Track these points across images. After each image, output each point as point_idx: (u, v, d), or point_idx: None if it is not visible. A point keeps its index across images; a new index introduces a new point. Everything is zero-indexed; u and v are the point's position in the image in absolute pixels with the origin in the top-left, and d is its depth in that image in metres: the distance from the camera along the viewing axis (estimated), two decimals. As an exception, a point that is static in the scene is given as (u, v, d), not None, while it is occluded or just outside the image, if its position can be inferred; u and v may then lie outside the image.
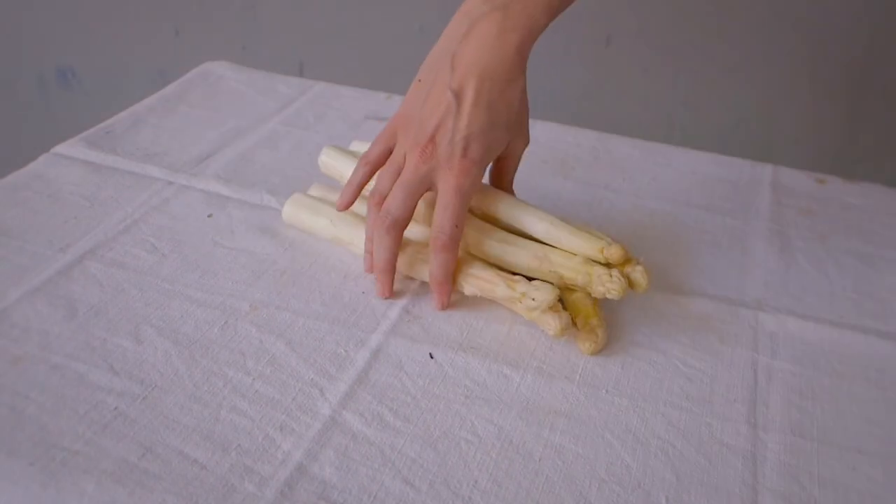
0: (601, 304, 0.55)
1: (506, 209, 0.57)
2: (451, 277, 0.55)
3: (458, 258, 0.55)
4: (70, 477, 0.42)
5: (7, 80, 1.61)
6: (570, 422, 0.48)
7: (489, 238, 0.56)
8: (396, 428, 0.47)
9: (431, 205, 0.56)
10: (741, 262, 0.63)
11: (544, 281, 0.53)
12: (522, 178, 0.60)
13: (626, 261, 0.54)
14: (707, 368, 0.53)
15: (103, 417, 0.46)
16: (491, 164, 0.59)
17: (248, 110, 0.81)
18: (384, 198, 0.55)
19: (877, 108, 1.19)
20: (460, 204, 0.53)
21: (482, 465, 0.45)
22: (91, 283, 0.56)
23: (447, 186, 0.53)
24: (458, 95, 0.53)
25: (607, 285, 0.52)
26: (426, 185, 0.55)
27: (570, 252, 0.55)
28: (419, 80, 0.57)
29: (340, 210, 0.60)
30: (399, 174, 0.55)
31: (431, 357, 0.52)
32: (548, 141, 0.77)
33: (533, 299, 0.52)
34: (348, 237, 0.60)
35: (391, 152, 0.58)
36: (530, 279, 0.55)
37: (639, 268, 0.54)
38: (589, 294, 0.54)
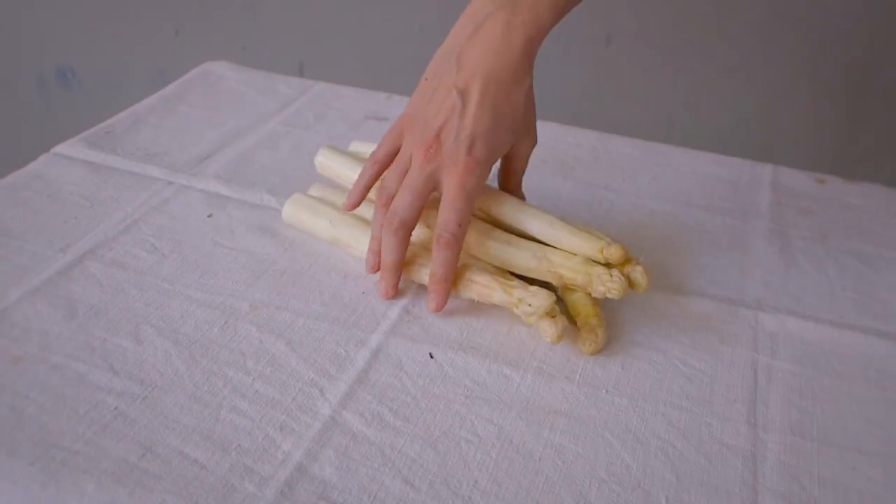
0: (601, 304, 0.55)
1: (505, 210, 0.57)
2: (452, 276, 0.55)
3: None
4: (70, 477, 0.42)
5: (7, 80, 1.61)
6: (570, 422, 0.48)
7: (489, 239, 0.56)
8: (396, 428, 0.47)
9: (431, 206, 0.56)
10: (741, 262, 0.63)
11: (542, 286, 0.53)
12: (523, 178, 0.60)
13: (626, 261, 0.54)
14: (707, 368, 0.53)
15: (103, 417, 0.46)
16: (499, 166, 0.59)
17: (248, 110, 0.81)
18: (391, 198, 0.55)
19: (877, 108, 1.19)
20: (464, 203, 0.53)
21: (482, 465, 0.45)
22: (91, 283, 0.56)
23: (452, 185, 0.53)
24: (463, 95, 0.53)
25: (608, 284, 0.52)
26: (432, 185, 0.55)
27: (570, 252, 0.55)
28: (426, 80, 0.57)
29: (347, 210, 0.60)
30: (405, 174, 0.55)
31: (431, 357, 0.52)
32: (548, 141, 0.77)
33: (529, 305, 0.52)
34: (347, 239, 0.60)
35: (398, 151, 0.58)
36: (530, 280, 0.55)
37: (639, 268, 0.54)
38: (589, 294, 0.54)
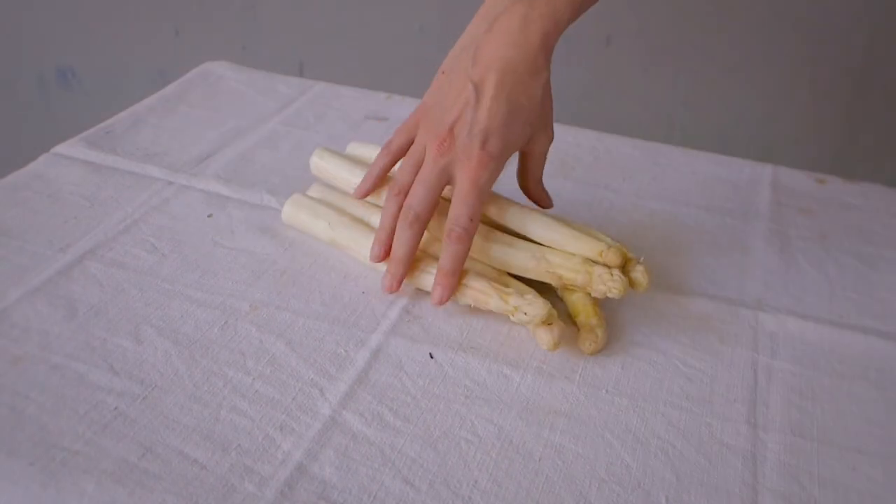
0: (601, 304, 0.55)
1: (505, 212, 0.57)
2: (460, 270, 0.54)
3: None
4: (70, 477, 0.42)
5: (7, 80, 1.61)
6: (570, 422, 0.48)
7: (487, 240, 0.56)
8: (396, 428, 0.47)
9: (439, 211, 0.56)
10: (741, 262, 0.63)
11: (542, 287, 0.53)
12: (522, 178, 0.60)
13: (626, 261, 0.54)
14: (707, 368, 0.53)
15: (103, 417, 0.46)
16: (517, 164, 0.59)
17: (248, 110, 0.81)
18: (403, 189, 0.55)
19: (877, 108, 1.19)
20: (476, 197, 0.53)
21: (482, 465, 0.45)
22: (91, 283, 0.56)
23: (464, 179, 0.53)
24: (478, 88, 0.53)
25: (608, 284, 0.52)
26: (445, 179, 0.54)
27: (570, 253, 0.55)
28: (442, 73, 0.57)
29: (358, 198, 0.60)
30: (418, 166, 0.55)
31: (431, 357, 0.52)
32: (548, 141, 0.77)
33: (525, 314, 0.51)
34: (346, 241, 0.60)
35: (412, 142, 0.58)
36: (529, 282, 0.55)
37: (639, 267, 0.54)
38: (589, 294, 0.54)
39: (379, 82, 0.94)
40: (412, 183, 0.55)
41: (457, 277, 0.54)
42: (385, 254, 0.56)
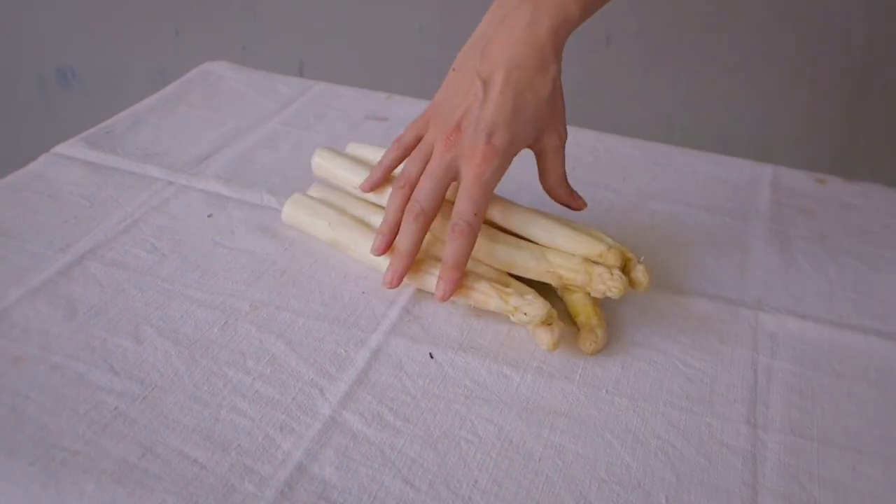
0: (601, 304, 0.55)
1: (506, 213, 0.57)
2: (464, 265, 0.54)
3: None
4: (70, 477, 0.42)
5: (7, 80, 1.61)
6: (570, 422, 0.48)
7: (489, 240, 0.56)
8: (396, 428, 0.47)
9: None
10: (741, 262, 0.63)
11: (542, 287, 0.53)
12: (523, 178, 0.60)
13: (626, 262, 0.54)
14: (707, 368, 0.53)
15: (103, 417, 0.46)
16: (537, 167, 0.58)
17: (248, 110, 0.81)
18: (409, 182, 0.55)
19: (877, 108, 1.19)
20: (481, 193, 0.53)
21: (482, 465, 0.45)
22: (91, 283, 0.56)
23: (469, 174, 0.53)
24: (485, 84, 0.53)
25: (608, 283, 0.52)
26: (452, 174, 0.54)
27: (570, 253, 0.55)
28: (453, 70, 0.57)
29: (365, 191, 0.60)
30: (426, 161, 0.55)
31: (431, 357, 0.52)
32: (548, 141, 0.78)
33: (525, 314, 0.51)
34: (346, 241, 0.60)
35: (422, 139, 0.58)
36: (530, 282, 0.55)
37: (640, 267, 0.54)
38: (589, 294, 0.54)
39: (379, 82, 0.94)
40: (418, 176, 0.55)
41: (461, 272, 0.53)
42: (386, 247, 0.56)
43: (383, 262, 0.57)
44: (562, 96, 0.56)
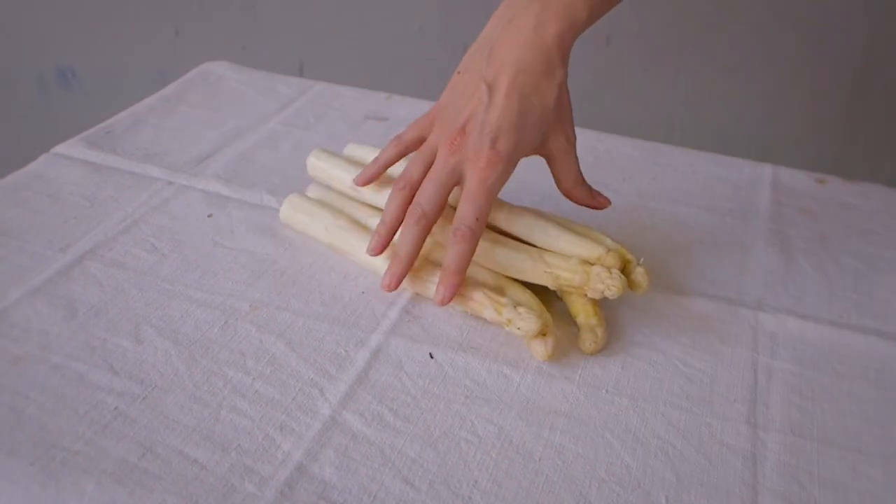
0: (601, 303, 0.55)
1: (505, 216, 0.57)
2: (465, 270, 0.53)
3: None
4: (70, 477, 0.43)
5: (7, 80, 1.61)
6: (570, 422, 0.48)
7: (485, 242, 0.55)
8: (396, 428, 0.47)
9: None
10: (741, 262, 0.63)
11: (530, 310, 0.51)
12: (523, 178, 0.60)
13: (626, 263, 0.54)
14: (707, 368, 0.53)
15: (103, 417, 0.46)
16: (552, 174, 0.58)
17: (248, 110, 0.81)
18: (410, 183, 0.55)
19: (877, 108, 1.19)
20: (484, 197, 0.53)
21: (482, 465, 0.45)
22: (91, 283, 0.56)
23: (473, 179, 0.53)
24: (491, 88, 0.53)
25: (607, 282, 0.52)
26: (455, 178, 0.54)
27: (568, 255, 0.54)
28: (458, 73, 0.57)
29: (359, 185, 0.60)
30: (428, 163, 0.55)
31: (431, 357, 0.52)
32: (548, 141, 0.77)
33: (518, 328, 0.51)
34: (342, 245, 0.59)
35: (423, 140, 0.58)
36: (528, 285, 0.55)
37: (639, 269, 0.54)
38: (586, 294, 0.54)
39: (379, 82, 0.94)
40: (419, 179, 0.55)
41: (461, 277, 0.53)
42: (382, 247, 0.56)
43: (382, 264, 0.56)
44: (569, 100, 0.55)
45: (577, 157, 0.57)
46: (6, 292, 0.55)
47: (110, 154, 0.72)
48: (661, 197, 0.71)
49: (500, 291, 0.54)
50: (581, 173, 0.58)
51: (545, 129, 0.54)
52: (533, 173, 0.61)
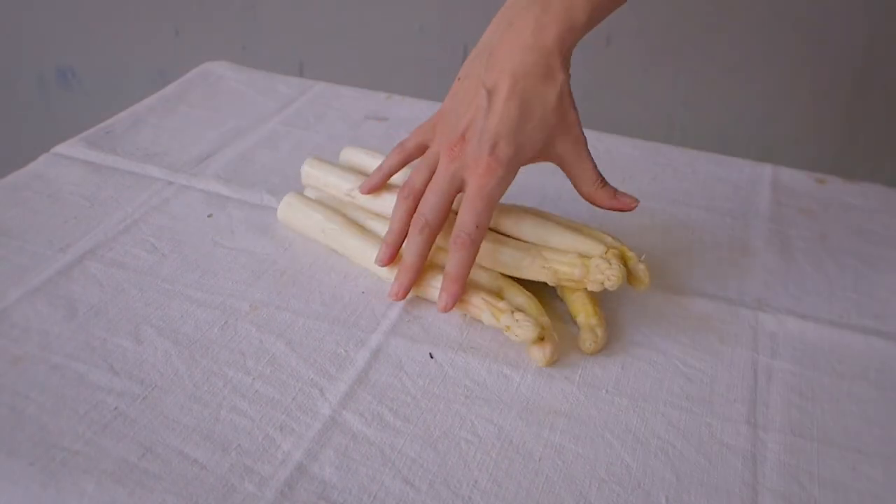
0: (601, 303, 0.55)
1: (505, 216, 0.57)
2: (466, 277, 0.53)
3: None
4: (70, 477, 0.42)
5: (7, 80, 1.61)
6: (570, 422, 0.48)
7: (485, 241, 0.55)
8: (396, 428, 0.47)
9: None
10: (741, 262, 0.63)
11: (527, 316, 0.51)
12: (523, 178, 0.60)
13: (626, 261, 0.54)
14: (707, 368, 0.53)
15: (103, 417, 0.46)
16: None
17: (248, 110, 0.81)
18: (413, 192, 0.55)
19: (877, 108, 1.19)
20: (483, 204, 0.52)
21: (482, 465, 0.45)
22: (91, 283, 0.56)
23: (473, 186, 0.52)
24: (490, 93, 0.52)
25: (606, 272, 0.52)
26: (457, 186, 0.54)
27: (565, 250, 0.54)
28: (459, 79, 0.57)
29: (364, 194, 0.60)
30: (432, 171, 0.55)
31: (431, 357, 0.52)
32: (548, 141, 0.77)
33: (516, 336, 0.51)
34: (338, 247, 0.60)
35: (426, 147, 0.58)
36: (527, 283, 0.55)
37: (640, 265, 0.54)
38: (586, 290, 0.54)
39: (379, 82, 0.94)
40: (422, 187, 0.55)
41: (462, 284, 0.53)
42: (391, 258, 0.56)
43: (379, 266, 0.57)
44: (572, 103, 0.54)
45: (591, 159, 0.55)
46: (6, 292, 0.55)
47: (110, 154, 0.72)
48: (661, 197, 0.71)
49: (498, 293, 0.54)
50: (600, 175, 0.55)
51: (547, 133, 0.53)
52: (534, 174, 0.61)
